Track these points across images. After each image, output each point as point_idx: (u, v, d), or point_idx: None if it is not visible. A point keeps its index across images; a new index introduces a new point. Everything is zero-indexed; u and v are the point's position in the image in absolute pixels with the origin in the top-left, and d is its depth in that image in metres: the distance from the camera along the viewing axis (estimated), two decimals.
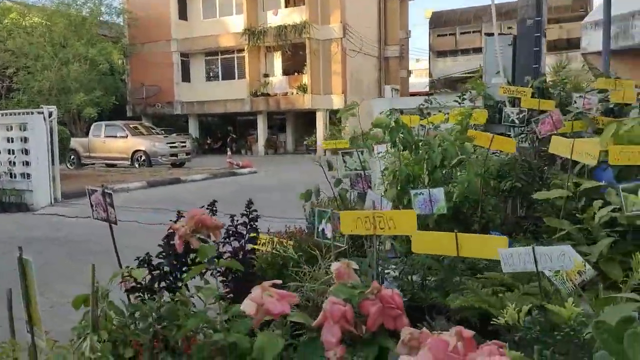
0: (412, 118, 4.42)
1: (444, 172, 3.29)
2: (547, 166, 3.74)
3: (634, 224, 2.54)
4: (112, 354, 1.28)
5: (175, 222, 2.04)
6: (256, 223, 2.36)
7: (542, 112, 4.67)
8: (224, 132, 29.38)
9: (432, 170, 3.28)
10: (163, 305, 1.47)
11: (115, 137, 20.04)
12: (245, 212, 2.34)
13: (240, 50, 27.20)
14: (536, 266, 1.70)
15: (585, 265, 1.88)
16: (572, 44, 26.37)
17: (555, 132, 3.71)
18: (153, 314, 1.44)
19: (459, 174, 3.45)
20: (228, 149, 22.43)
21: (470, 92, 4.88)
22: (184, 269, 1.97)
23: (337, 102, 26.31)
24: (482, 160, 3.26)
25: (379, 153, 3.64)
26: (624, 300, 1.68)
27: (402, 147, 3.37)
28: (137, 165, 19.31)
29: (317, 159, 3.52)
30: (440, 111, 5.54)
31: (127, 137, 19.95)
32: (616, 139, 3.21)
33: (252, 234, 2.35)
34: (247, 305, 0.94)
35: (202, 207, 1.85)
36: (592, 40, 18.83)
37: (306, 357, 0.98)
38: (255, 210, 2.35)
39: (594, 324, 0.87)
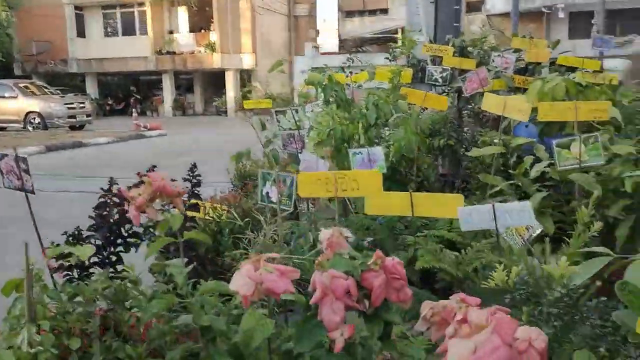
0: (337, 77, 4.33)
1: (378, 131, 3.25)
2: (473, 124, 3.81)
3: (565, 178, 2.64)
4: (54, 347, 1.09)
5: (107, 190, 1.81)
6: (199, 189, 2.18)
7: (463, 70, 4.76)
8: (127, 93, 27.67)
9: (366, 129, 3.22)
10: (109, 286, 1.29)
11: (4, 97, 18.23)
12: (188, 177, 2.14)
13: (141, 4, 25.46)
14: (496, 224, 1.69)
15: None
16: (473, 7, 27.35)
17: (482, 90, 3.78)
18: (98, 296, 1.26)
19: (389, 132, 3.42)
20: (133, 110, 21.20)
21: (395, 50, 4.86)
22: (118, 242, 1.77)
23: (247, 61, 25.61)
24: (415, 119, 3.24)
25: (311, 111, 3.53)
26: (576, 255, 1.71)
27: (335, 106, 3.28)
28: (30, 129, 17.75)
29: (247, 119, 3.34)
30: (362, 70, 5.50)
31: (17, 97, 18.21)
32: (540, 96, 3.32)
33: (193, 201, 2.17)
34: (243, 285, 0.80)
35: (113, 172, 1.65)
36: (496, 3, 19.62)
37: (304, 338, 0.87)
38: (199, 175, 2.16)
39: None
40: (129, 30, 26.34)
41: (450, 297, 0.95)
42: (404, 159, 3.09)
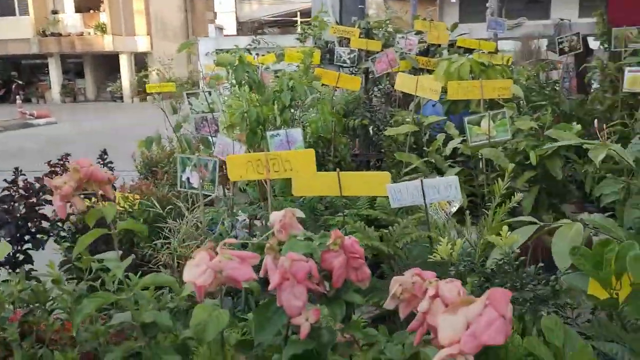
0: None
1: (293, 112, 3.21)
2: (384, 104, 3.89)
3: (475, 154, 2.76)
4: None
5: (11, 182, 1.63)
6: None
7: (369, 52, 4.84)
8: (7, 78, 25.31)
9: (282, 111, 3.17)
10: (25, 288, 1.14)
11: None
12: (99, 163, 1.97)
13: None
14: (424, 199, 1.72)
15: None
16: None
17: (390, 71, 3.86)
18: (14, 300, 1.11)
19: (304, 114, 3.40)
20: (17, 97, 19.44)
21: (306, 32, 4.83)
22: (26, 238, 1.58)
23: (142, 44, 24.38)
24: (330, 99, 3.24)
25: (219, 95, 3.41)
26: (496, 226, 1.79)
27: (248, 88, 3.19)
28: None
29: (156, 103, 3.16)
30: (268, 52, 5.42)
31: None
32: (447, 75, 3.45)
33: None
34: (199, 275, 0.73)
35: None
36: None
37: (264, 327, 0.82)
38: (112, 162, 2.00)
39: (570, 250, 0.87)
40: (7, 10, 24.02)
41: (404, 273, 0.95)
42: (321, 140, 3.08)
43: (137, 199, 2.55)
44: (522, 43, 6.06)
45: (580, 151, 3.04)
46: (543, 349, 0.68)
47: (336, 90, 3.74)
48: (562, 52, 4.10)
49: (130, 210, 2.52)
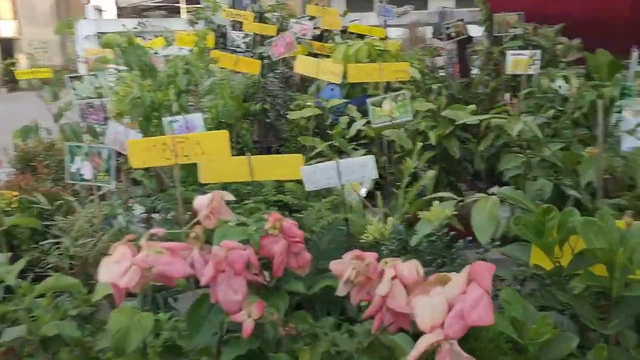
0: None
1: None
2: (281, 89, 3.80)
3: (377, 136, 2.78)
4: None
5: None
6: None
7: (263, 36, 4.73)
8: None
9: (178, 96, 2.98)
10: None
11: None
12: None
13: None
14: (340, 180, 1.68)
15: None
16: None
17: (288, 55, 3.79)
18: None
19: (199, 100, 3.23)
20: None
21: (198, 15, 4.61)
22: None
23: (8, 29, 22.13)
24: (228, 83, 3.10)
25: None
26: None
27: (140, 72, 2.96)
28: None
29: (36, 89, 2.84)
30: (156, 36, 5.13)
31: None
32: (345, 59, 3.44)
33: None
34: (121, 274, 0.60)
35: None
36: None
37: (198, 327, 0.71)
38: None
39: (513, 219, 0.85)
40: None
41: (342, 257, 0.88)
42: (222, 126, 2.93)
43: (15, 195, 2.26)
44: (409, 30, 6.26)
45: (471, 130, 3.19)
46: (504, 324, 0.66)
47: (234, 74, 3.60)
48: (449, 37, 4.27)
49: (8, 209, 2.22)
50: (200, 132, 2.56)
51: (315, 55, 4.61)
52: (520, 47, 3.53)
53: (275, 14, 5.11)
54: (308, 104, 3.24)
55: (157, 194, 2.94)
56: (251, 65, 3.18)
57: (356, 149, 2.87)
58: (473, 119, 2.21)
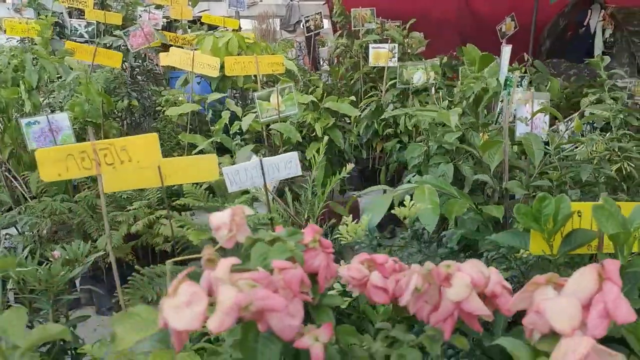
0: None
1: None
2: (145, 82, 3.54)
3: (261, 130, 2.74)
4: None
5: None
6: None
7: (108, 25, 4.36)
8: None
9: (29, 93, 2.60)
10: None
11: None
12: None
13: None
14: (264, 179, 1.62)
15: None
16: None
17: (149, 45, 3.53)
18: None
19: (62, 95, 2.86)
20: None
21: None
22: None
23: None
24: (89, 78, 2.79)
25: None
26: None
27: None
28: None
29: None
30: None
31: None
32: (215, 52, 3.31)
33: None
34: (202, 316, 0.47)
35: None
36: None
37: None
38: None
39: (515, 209, 0.89)
40: None
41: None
42: (88, 125, 2.63)
43: None
44: (258, 21, 6.25)
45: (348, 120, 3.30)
46: None
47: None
48: (309, 30, 4.34)
49: None
50: (67, 133, 2.27)
51: (167, 47, 4.36)
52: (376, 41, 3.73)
53: (119, 1, 4.72)
54: (180, 99, 3.05)
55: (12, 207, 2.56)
56: (112, 58, 2.89)
57: (241, 145, 2.79)
58: (398, 112, 2.25)
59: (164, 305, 0.52)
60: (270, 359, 0.62)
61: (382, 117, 3.07)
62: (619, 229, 0.76)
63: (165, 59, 3.04)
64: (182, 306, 0.51)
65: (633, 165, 1.30)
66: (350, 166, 1.72)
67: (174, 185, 2.56)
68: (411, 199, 1.07)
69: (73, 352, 1.40)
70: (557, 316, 0.51)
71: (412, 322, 0.88)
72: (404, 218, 1.04)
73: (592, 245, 0.91)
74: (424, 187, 1.39)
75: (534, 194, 1.54)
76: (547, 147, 1.62)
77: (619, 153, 1.31)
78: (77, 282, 2.49)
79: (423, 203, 1.29)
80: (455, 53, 4.01)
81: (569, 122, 2.19)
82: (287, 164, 1.62)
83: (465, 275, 0.64)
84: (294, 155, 1.62)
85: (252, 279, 0.55)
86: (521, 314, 0.62)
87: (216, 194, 2.16)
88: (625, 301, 0.50)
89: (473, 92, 2.03)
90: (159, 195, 2.51)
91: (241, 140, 2.85)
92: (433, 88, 3.10)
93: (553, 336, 0.55)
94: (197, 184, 2.21)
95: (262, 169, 1.60)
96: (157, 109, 3.07)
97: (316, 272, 0.69)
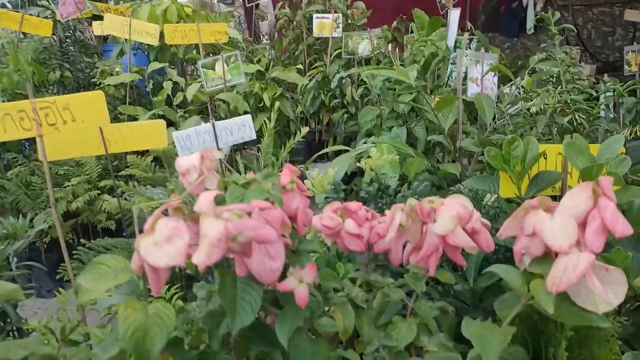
0: None
1: None
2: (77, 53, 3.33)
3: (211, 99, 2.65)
4: None
5: None
6: None
7: None
8: None
9: None
10: None
11: None
12: None
13: None
14: (217, 143, 1.56)
15: None
16: None
17: (80, 15, 3.32)
18: None
19: None
20: None
21: None
22: None
23: None
24: (17, 47, 2.59)
25: None
26: None
27: None
28: None
29: None
30: None
31: None
32: (153, 20, 3.16)
33: None
34: (185, 251, 0.41)
35: None
36: None
37: (243, 309, 0.58)
38: None
39: (486, 151, 0.88)
40: None
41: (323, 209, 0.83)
42: (18, 98, 2.45)
43: None
44: None
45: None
46: None
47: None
48: (250, 1, 4.23)
49: None
50: None
51: (98, 17, 4.13)
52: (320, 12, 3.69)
53: None
54: (117, 70, 2.90)
55: None
56: (41, 26, 2.69)
57: (184, 117, 2.69)
58: (355, 71, 2.19)
59: (139, 244, 0.47)
60: (252, 306, 0.58)
61: (329, 87, 3.04)
62: (590, 163, 0.76)
63: (99, 28, 2.86)
64: (161, 242, 0.47)
65: (584, 117, 1.35)
66: (305, 129, 1.68)
67: (114, 161, 2.44)
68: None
69: (15, 333, 1.31)
70: (555, 235, 0.51)
71: (387, 270, 0.86)
72: (371, 170, 1.01)
73: (556, 187, 0.93)
74: (382, 146, 1.38)
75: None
76: (498, 105, 1.64)
77: (570, 105, 1.34)
78: (13, 265, 2.34)
79: (384, 162, 1.28)
80: (398, 25, 4.02)
81: (512, 87, 2.24)
82: (240, 127, 1.56)
83: (451, 208, 0.62)
84: (247, 118, 1.56)
85: (239, 210, 0.51)
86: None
87: (163, 165, 2.08)
88: (621, 215, 0.50)
89: (423, 56, 2.03)
90: (99, 170, 2.38)
91: (184, 113, 2.76)
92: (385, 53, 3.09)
93: (545, 258, 0.54)
94: (141, 155, 2.11)
95: (215, 132, 1.53)
96: (92, 81, 2.90)
97: (294, 215, 0.66)
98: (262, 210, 0.59)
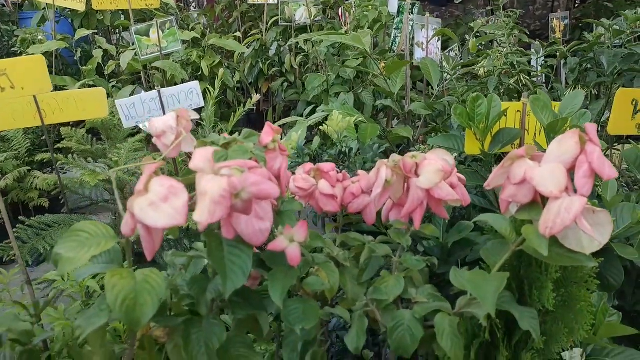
0: None
1: None
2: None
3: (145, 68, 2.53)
4: None
5: None
6: None
7: None
8: None
9: None
10: None
11: None
12: None
13: None
14: (163, 111, 1.50)
15: None
16: None
17: None
18: None
19: None
20: None
21: None
22: None
23: None
24: None
25: None
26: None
27: None
28: None
29: None
30: None
31: None
32: None
33: None
34: (184, 210, 0.38)
35: None
36: None
37: (233, 271, 0.56)
38: None
39: (453, 109, 0.88)
40: None
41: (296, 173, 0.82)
42: None
43: None
44: None
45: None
46: None
47: None
48: None
49: None
50: None
51: None
52: None
53: None
54: (39, 38, 2.70)
55: None
56: None
57: (119, 88, 2.56)
58: (307, 37, 2.14)
59: (133, 205, 0.44)
60: (242, 269, 0.56)
61: (267, 55, 2.99)
62: (554, 118, 0.80)
63: None
64: (158, 202, 0.44)
65: (528, 78, 1.40)
66: (256, 97, 1.64)
67: (42, 135, 2.29)
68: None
69: None
70: (545, 181, 0.52)
71: (358, 231, 0.87)
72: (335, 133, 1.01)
73: (515, 144, 0.96)
74: (336, 114, 1.38)
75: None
76: (442, 69, 1.68)
77: (516, 67, 1.39)
78: None
79: (346, 122, 1.28)
80: None
81: (451, 52, 2.29)
82: (188, 94, 1.51)
83: (435, 162, 0.63)
84: (194, 85, 1.51)
85: (239, 166, 0.48)
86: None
87: (101, 137, 1.97)
88: (607, 159, 0.52)
89: (367, 21, 2.03)
90: (27, 145, 2.23)
91: (117, 83, 2.62)
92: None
93: (532, 205, 0.56)
94: (75, 126, 1.99)
95: (161, 100, 1.47)
96: (12, 50, 2.69)
97: (277, 175, 0.64)
98: (250, 170, 0.57)
